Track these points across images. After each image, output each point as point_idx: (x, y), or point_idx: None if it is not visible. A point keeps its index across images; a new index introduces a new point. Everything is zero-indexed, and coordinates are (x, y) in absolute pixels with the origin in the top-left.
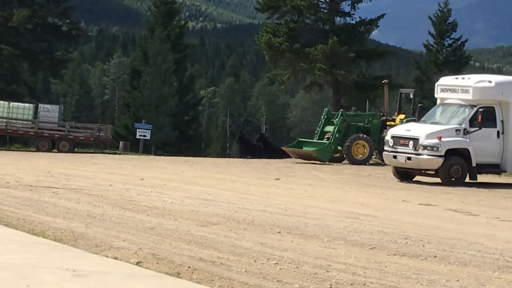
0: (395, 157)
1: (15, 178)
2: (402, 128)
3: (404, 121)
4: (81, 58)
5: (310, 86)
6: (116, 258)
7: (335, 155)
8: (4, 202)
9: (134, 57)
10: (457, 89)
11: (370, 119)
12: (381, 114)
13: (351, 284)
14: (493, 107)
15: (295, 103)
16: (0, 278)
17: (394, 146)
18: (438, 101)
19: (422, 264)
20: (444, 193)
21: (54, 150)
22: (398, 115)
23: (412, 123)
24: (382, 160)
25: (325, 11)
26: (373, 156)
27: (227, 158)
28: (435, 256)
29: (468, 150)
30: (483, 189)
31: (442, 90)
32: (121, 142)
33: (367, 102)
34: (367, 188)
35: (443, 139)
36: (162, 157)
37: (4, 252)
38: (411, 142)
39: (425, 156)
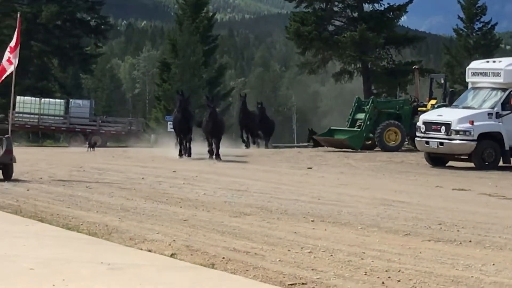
0: (427, 142)
1: (48, 174)
2: (433, 114)
3: (436, 106)
4: (111, 52)
5: (340, 74)
6: (150, 251)
7: (367, 143)
8: (38, 198)
9: (163, 50)
10: (488, 73)
11: (401, 105)
12: (412, 100)
13: (386, 271)
14: None
15: (326, 92)
16: (36, 274)
17: (426, 132)
18: (470, 85)
19: (457, 249)
20: (478, 177)
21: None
22: (429, 100)
23: (443, 108)
24: (414, 146)
25: None
26: (405, 143)
27: (258, 149)
28: (470, 241)
29: (501, 134)
30: None
31: (473, 74)
32: (152, 135)
33: (398, 88)
34: (400, 174)
35: (475, 123)
36: None
37: (39, 247)
38: (443, 127)
39: (457, 141)
